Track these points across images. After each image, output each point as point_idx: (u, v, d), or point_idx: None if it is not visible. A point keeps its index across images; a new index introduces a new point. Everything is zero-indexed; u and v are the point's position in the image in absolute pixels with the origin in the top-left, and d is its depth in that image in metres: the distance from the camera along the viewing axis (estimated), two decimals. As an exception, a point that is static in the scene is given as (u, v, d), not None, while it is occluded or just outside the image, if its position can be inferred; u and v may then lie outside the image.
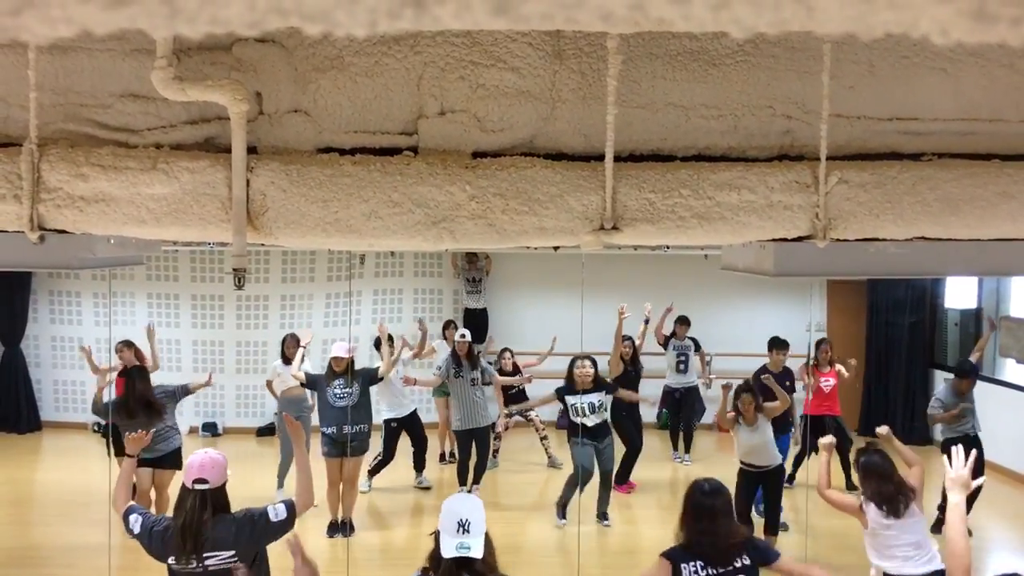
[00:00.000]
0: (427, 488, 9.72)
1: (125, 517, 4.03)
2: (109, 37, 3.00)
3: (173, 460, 7.57)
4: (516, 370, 10.28)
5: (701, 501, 4.05)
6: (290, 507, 4.02)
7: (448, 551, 3.11)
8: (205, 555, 3.85)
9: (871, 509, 5.08)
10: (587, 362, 8.15)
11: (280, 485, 8.98)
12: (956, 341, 11.83)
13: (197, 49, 3.01)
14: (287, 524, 3.99)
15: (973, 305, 11.31)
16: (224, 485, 4.01)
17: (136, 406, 7.34)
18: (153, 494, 7.67)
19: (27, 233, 2.96)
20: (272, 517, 3.95)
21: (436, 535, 3.24)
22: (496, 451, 10.66)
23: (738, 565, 3.99)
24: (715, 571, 3.97)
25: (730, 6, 0.55)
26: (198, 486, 3.89)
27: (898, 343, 12.26)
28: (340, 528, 8.21)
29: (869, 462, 5.17)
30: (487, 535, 3.21)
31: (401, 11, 0.53)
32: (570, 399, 8.14)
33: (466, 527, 3.14)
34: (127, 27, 0.51)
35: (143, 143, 3.08)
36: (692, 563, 4.01)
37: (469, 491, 8.98)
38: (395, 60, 3.03)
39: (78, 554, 7.83)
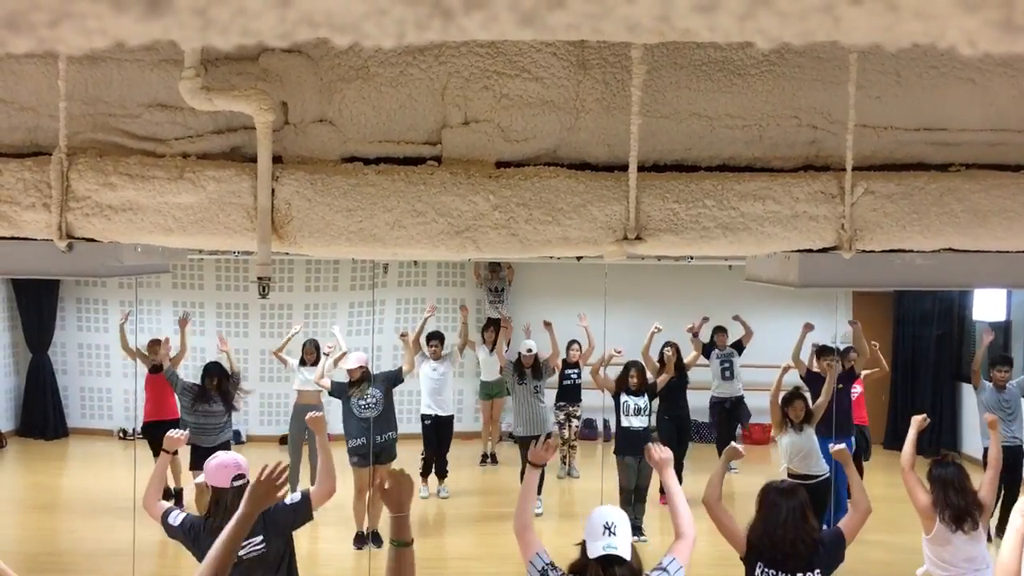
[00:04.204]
0: (446, 498, 9.75)
1: (164, 515, 4.20)
2: (139, 48, 3.03)
3: None
4: (577, 363, 10.37)
5: (771, 500, 4.10)
6: (305, 494, 4.20)
7: (594, 552, 3.17)
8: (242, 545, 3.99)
9: (938, 518, 5.06)
10: (635, 368, 8.66)
11: (292, 490, 9.07)
12: (984, 354, 11.67)
13: (224, 59, 3.04)
14: (302, 507, 4.16)
15: (1002, 318, 11.17)
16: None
17: (215, 397, 8.14)
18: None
19: (56, 241, 2.99)
20: (287, 501, 4.11)
21: (582, 545, 3.29)
22: (564, 458, 10.65)
23: None
24: None
25: (756, 17, 0.55)
26: (237, 483, 4.07)
27: (925, 356, 12.13)
28: (370, 539, 8.23)
29: (944, 474, 5.11)
30: (634, 546, 3.24)
31: (428, 22, 0.54)
32: (623, 396, 8.55)
33: (612, 530, 3.20)
34: (161, 38, 0.51)
35: (170, 152, 3.11)
36: (762, 564, 4.08)
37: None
38: (419, 70, 3.05)
39: (104, 560, 7.89)
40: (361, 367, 8.05)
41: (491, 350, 10.86)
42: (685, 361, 9.69)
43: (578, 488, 10.37)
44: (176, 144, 3.12)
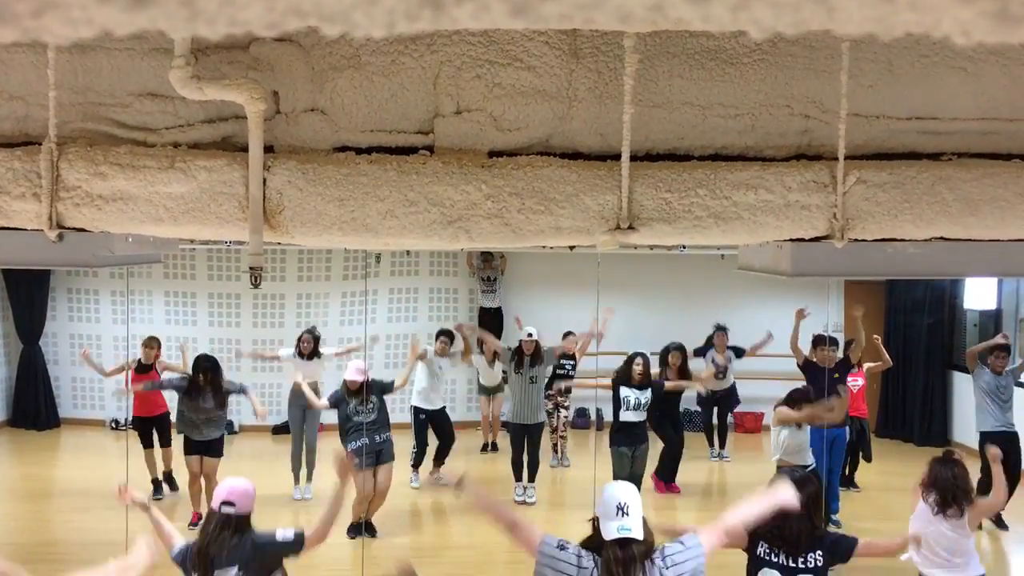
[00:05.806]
0: (445, 485, 9.78)
1: (172, 554, 4.15)
2: (128, 37, 3.01)
3: (218, 448, 8.32)
4: (573, 355, 10.29)
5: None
6: (299, 535, 4.14)
7: (609, 534, 3.24)
8: (215, 572, 3.98)
9: (924, 499, 5.20)
10: (640, 359, 8.49)
11: (296, 480, 9.09)
12: (975, 342, 11.73)
13: (215, 48, 3.02)
14: (293, 546, 4.12)
15: (992, 306, 11.21)
16: (249, 515, 4.14)
17: (207, 392, 8.08)
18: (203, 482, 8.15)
19: (46, 231, 2.98)
20: (278, 537, 4.09)
21: (595, 521, 3.37)
22: (555, 447, 10.60)
23: (809, 564, 4.07)
24: (783, 559, 4.09)
25: (749, 7, 0.55)
26: (225, 508, 4.05)
27: (916, 344, 12.17)
28: (364, 529, 8.25)
29: (943, 473, 5.19)
30: (645, 519, 3.31)
31: (419, 12, 0.53)
32: (623, 390, 8.37)
33: (625, 510, 3.26)
34: (147, 28, 0.51)
35: (161, 142, 3.09)
36: (764, 544, 4.13)
37: (524, 490, 9.22)
38: (412, 59, 3.03)
39: (96, 550, 7.87)
40: (360, 381, 8.08)
41: (491, 363, 10.69)
42: (702, 376, 9.72)
43: (570, 477, 10.40)
44: (167, 133, 3.11)
